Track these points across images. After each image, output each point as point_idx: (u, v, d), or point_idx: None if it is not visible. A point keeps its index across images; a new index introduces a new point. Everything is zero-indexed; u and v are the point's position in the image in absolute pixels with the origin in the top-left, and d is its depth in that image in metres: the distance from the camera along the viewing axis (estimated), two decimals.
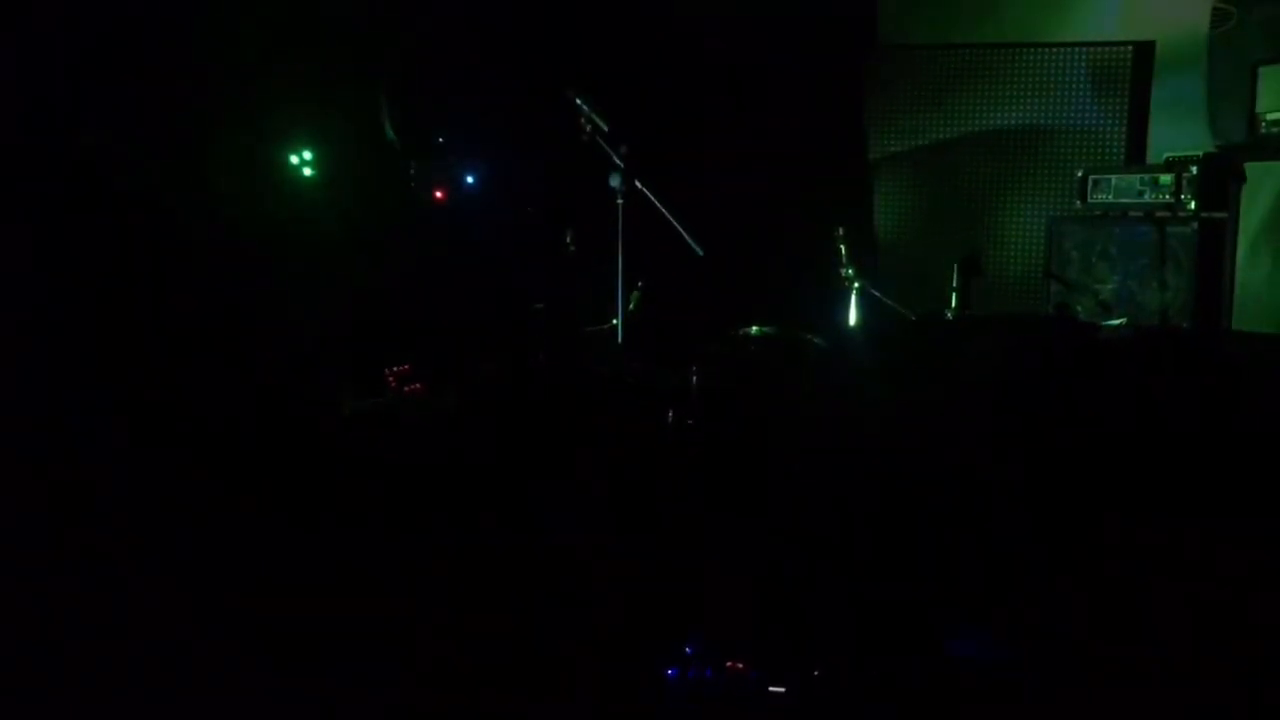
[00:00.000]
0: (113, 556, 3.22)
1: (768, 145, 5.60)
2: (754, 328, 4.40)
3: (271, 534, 3.46)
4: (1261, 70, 4.84)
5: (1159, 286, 4.99)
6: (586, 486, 3.86)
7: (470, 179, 5.36)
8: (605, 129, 4.29)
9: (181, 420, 3.93)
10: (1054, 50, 5.71)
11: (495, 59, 5.29)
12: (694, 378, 4.12)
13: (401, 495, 3.79)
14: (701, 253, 4.36)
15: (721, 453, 3.93)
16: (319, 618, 3.01)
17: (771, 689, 2.66)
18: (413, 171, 5.18)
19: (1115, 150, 5.59)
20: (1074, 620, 2.97)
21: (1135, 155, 5.55)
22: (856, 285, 4.93)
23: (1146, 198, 5.09)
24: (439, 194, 5.25)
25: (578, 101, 4.30)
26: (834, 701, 2.67)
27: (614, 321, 4.40)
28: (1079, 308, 5.19)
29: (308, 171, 4.81)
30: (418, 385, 4.72)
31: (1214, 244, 4.94)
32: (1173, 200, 4.99)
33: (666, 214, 4.36)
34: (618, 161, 4.26)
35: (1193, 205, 4.95)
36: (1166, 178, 5.02)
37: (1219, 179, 4.97)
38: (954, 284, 5.17)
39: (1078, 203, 5.33)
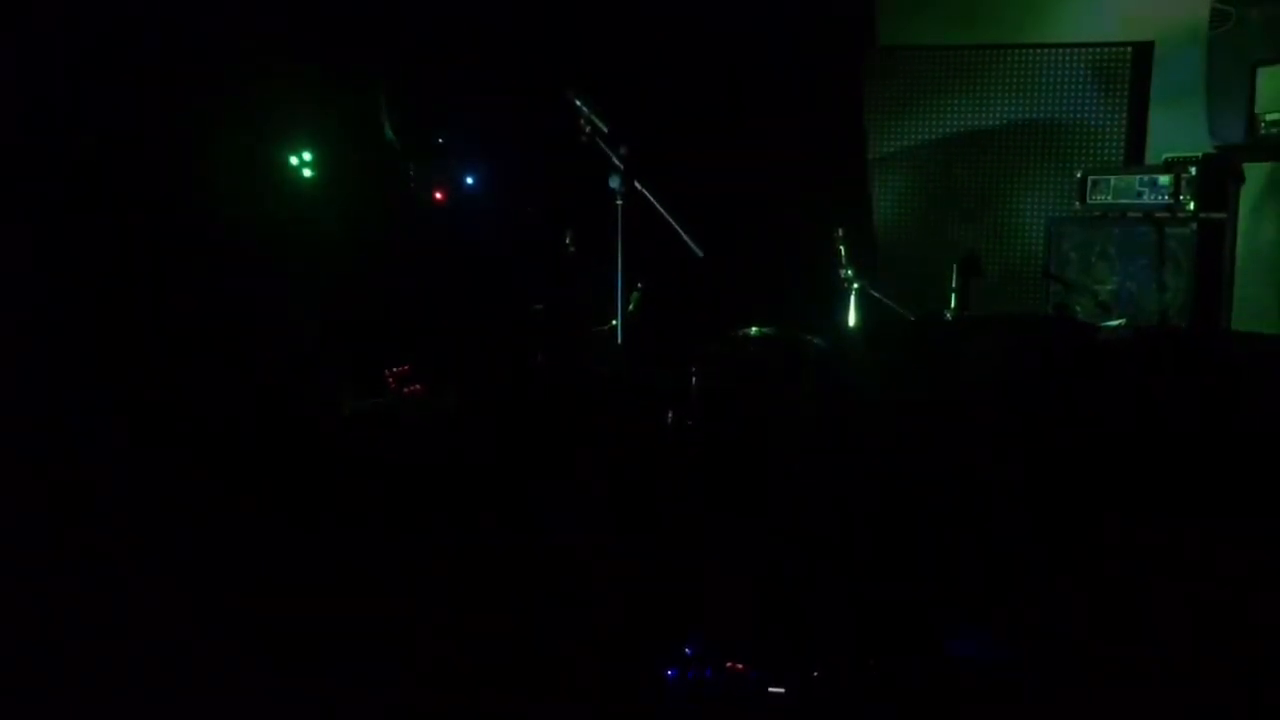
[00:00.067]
0: (113, 556, 3.22)
1: (767, 145, 5.60)
2: (754, 328, 4.39)
3: (271, 534, 3.46)
4: (1260, 71, 4.84)
5: (1158, 287, 5.00)
6: (586, 486, 3.86)
7: (470, 180, 5.36)
8: (605, 130, 4.29)
9: (181, 420, 3.93)
10: (1053, 51, 5.71)
11: (495, 59, 5.29)
12: (694, 378, 4.12)
13: (401, 495, 3.79)
14: (701, 254, 4.36)
15: (721, 453, 3.93)
16: (319, 618, 3.01)
17: (771, 689, 2.66)
18: (412, 172, 5.18)
19: (1114, 151, 5.59)
20: (1074, 620, 2.97)
21: (1134, 156, 5.56)
22: (856, 286, 4.92)
23: (1145, 198, 5.09)
24: (439, 195, 5.25)
25: (577, 103, 4.30)
26: (834, 701, 2.67)
27: (613, 322, 4.40)
28: (1078, 308, 5.19)
29: (307, 173, 4.81)
30: (418, 386, 4.72)
31: (1213, 245, 4.95)
32: (1172, 201, 5.00)
33: (666, 215, 4.36)
34: (617, 163, 4.26)
35: (1192, 206, 4.95)
36: (1165, 178, 5.02)
37: (1218, 180, 4.97)
38: (953, 284, 5.17)
39: (1077, 203, 5.34)
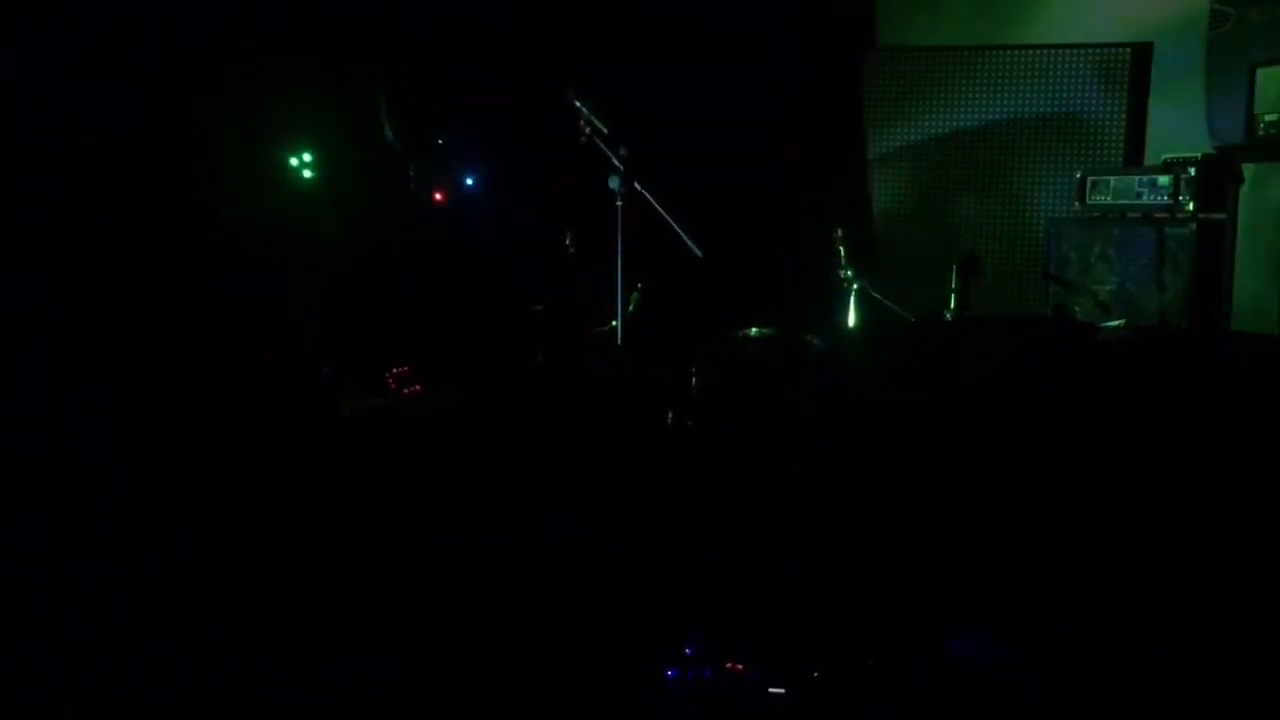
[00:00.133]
0: (113, 556, 3.22)
1: (767, 145, 5.60)
2: (753, 329, 4.39)
3: (271, 534, 3.45)
4: (1260, 71, 4.84)
5: (1157, 288, 5.00)
6: (586, 486, 3.86)
7: (470, 180, 5.36)
8: (605, 131, 4.29)
9: (181, 420, 3.93)
10: (1053, 51, 5.71)
11: (495, 59, 5.29)
12: (694, 378, 4.12)
13: (401, 495, 3.79)
14: (700, 254, 4.36)
15: (721, 453, 3.93)
16: (319, 618, 3.01)
17: (771, 689, 2.66)
18: (412, 172, 5.18)
19: (1114, 152, 5.59)
20: (1074, 620, 2.97)
21: (1133, 157, 5.55)
22: (856, 286, 4.92)
23: (1145, 199, 5.10)
24: (439, 195, 5.25)
25: (577, 103, 4.31)
26: (834, 701, 2.67)
27: (613, 322, 4.40)
28: (1077, 309, 5.19)
29: (307, 174, 4.81)
30: (418, 387, 4.72)
31: (1212, 245, 4.95)
32: (1171, 201, 5.00)
33: (666, 215, 4.37)
34: (617, 164, 4.27)
35: (1191, 206, 4.95)
36: (1165, 179, 5.02)
37: (1217, 180, 4.97)
38: (953, 285, 5.17)
39: (1076, 204, 5.34)
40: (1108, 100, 5.60)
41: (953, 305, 5.16)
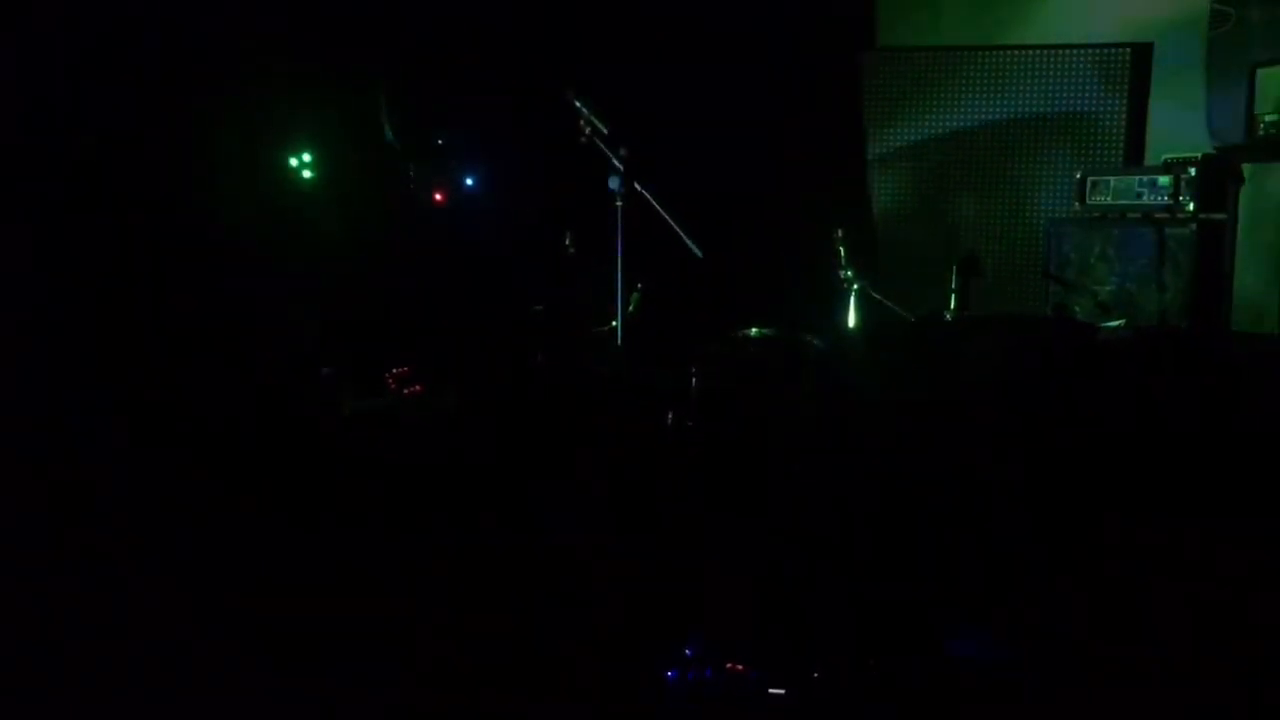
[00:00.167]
0: (113, 556, 3.22)
1: (767, 145, 5.61)
2: (753, 329, 4.40)
3: (271, 534, 3.45)
4: (1260, 72, 4.84)
5: (1157, 288, 5.00)
6: (586, 486, 3.86)
7: (470, 180, 5.36)
8: (604, 131, 4.29)
9: (181, 420, 3.93)
10: (1053, 52, 5.71)
11: (495, 59, 5.29)
12: (694, 378, 4.13)
13: (401, 495, 3.79)
14: (700, 254, 4.36)
15: (721, 453, 3.93)
16: (319, 618, 3.01)
17: (771, 689, 2.66)
18: (412, 173, 5.18)
19: (1114, 152, 5.59)
20: (1074, 620, 2.97)
21: (1133, 157, 5.56)
22: (856, 286, 4.93)
23: (1145, 199, 5.10)
24: (439, 195, 5.26)
25: (577, 104, 4.31)
26: (834, 701, 2.67)
27: (613, 323, 4.40)
28: (1077, 309, 5.19)
29: (307, 174, 4.81)
30: (418, 387, 4.72)
31: (1212, 245, 4.95)
32: (1171, 202, 5.00)
33: (666, 215, 4.37)
34: (617, 164, 4.27)
35: (1191, 207, 4.96)
36: (1165, 179, 5.03)
37: (1217, 180, 4.98)
38: (953, 285, 5.17)
39: (1076, 204, 5.34)
40: (1108, 100, 5.60)
41: (953, 305, 5.16)
